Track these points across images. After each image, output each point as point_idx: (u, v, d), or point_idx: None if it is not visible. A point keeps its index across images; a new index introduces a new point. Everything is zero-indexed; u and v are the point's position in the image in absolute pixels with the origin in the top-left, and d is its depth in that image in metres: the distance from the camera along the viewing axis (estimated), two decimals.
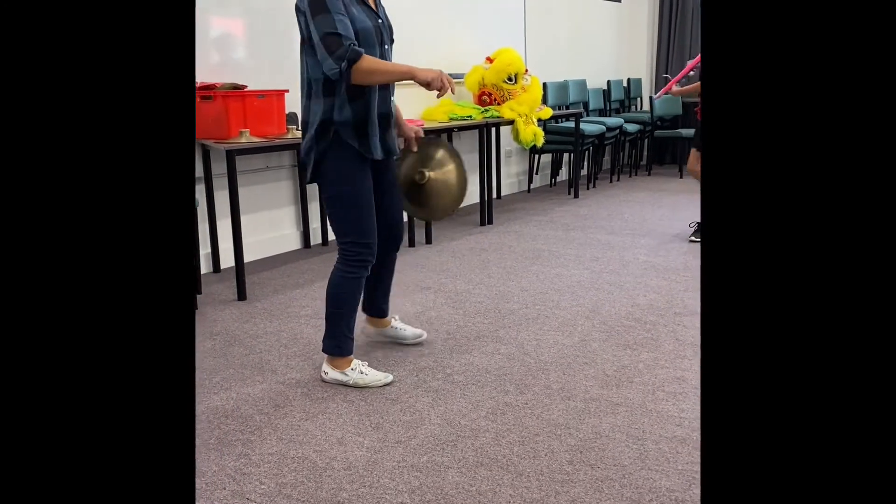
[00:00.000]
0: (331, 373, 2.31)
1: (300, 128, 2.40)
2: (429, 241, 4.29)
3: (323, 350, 2.33)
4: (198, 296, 3.30)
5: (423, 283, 3.45)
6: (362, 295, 2.39)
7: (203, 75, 3.57)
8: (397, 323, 2.65)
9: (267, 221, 4.07)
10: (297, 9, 2.11)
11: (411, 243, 4.22)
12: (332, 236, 4.45)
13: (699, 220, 4.17)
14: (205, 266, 3.74)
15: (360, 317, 2.69)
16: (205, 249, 3.73)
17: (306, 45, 2.15)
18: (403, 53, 4.78)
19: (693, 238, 4.16)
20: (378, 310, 2.60)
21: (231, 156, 3.13)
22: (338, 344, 2.29)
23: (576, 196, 5.74)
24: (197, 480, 1.78)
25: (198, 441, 1.97)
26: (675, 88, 4.13)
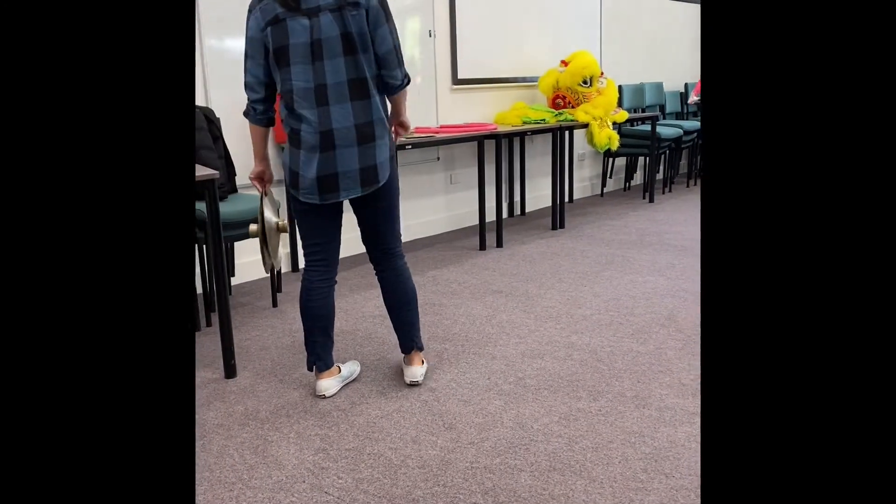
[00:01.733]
0: (423, 369, 2.39)
1: (354, 134, 2.07)
2: (499, 244, 4.31)
3: (420, 348, 2.39)
4: (277, 294, 3.42)
5: (494, 286, 3.47)
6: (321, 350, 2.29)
7: None
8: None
9: (343, 222, 4.17)
10: (356, 4, 1.98)
11: (482, 246, 4.24)
12: (404, 238, 4.53)
13: None
14: (285, 265, 3.86)
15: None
16: (284, 249, 3.85)
17: (355, 40, 2.00)
18: (480, 58, 4.81)
19: None
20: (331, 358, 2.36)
21: None
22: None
23: (651, 200, 5.65)
24: (277, 473, 1.85)
25: (278, 435, 2.05)
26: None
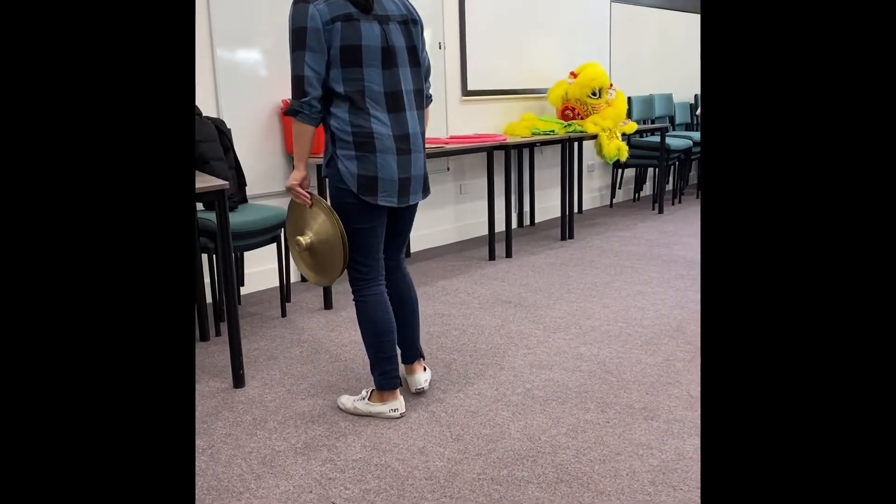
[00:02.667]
0: (428, 374, 2.44)
1: (421, 140, 2.16)
2: (509, 254, 4.31)
3: (423, 356, 2.44)
4: (287, 304, 3.43)
5: (503, 296, 3.47)
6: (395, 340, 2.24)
7: None
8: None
9: None
10: (416, 21, 2.10)
11: (491, 256, 4.25)
12: (414, 248, 4.54)
13: None
14: (294, 275, 3.88)
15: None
16: None
17: (419, 54, 2.12)
18: (489, 70, 4.84)
19: None
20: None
21: (321, 170, 3.25)
22: None
23: (660, 212, 5.64)
24: (284, 483, 1.86)
25: (285, 445, 2.06)
26: None
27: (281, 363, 2.70)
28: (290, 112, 1.99)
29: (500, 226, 5.14)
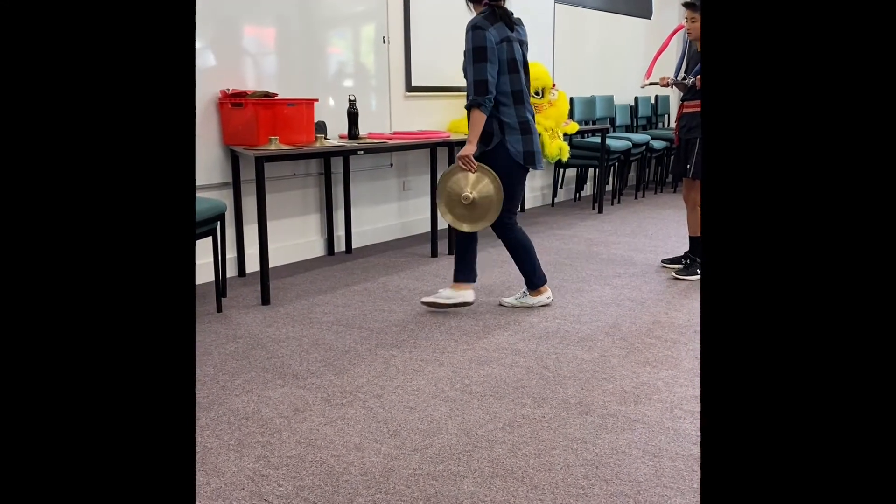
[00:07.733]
0: (512, 300, 3.24)
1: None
2: (451, 251, 4.31)
3: (528, 286, 3.22)
4: (223, 299, 3.35)
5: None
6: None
7: (235, 83, 3.64)
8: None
9: (292, 228, 4.13)
10: (526, 43, 2.97)
11: (433, 253, 4.25)
12: (355, 244, 4.50)
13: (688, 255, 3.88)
14: (231, 270, 3.79)
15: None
16: (231, 253, 3.79)
17: (527, 66, 2.99)
18: (434, 66, 4.83)
19: (678, 275, 3.75)
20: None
21: (260, 162, 3.19)
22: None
23: (600, 211, 5.74)
24: (216, 480, 1.81)
25: (218, 441, 2.01)
26: (670, 80, 3.89)
27: (215, 359, 2.63)
28: (473, 105, 2.79)
29: (442, 223, 5.14)
